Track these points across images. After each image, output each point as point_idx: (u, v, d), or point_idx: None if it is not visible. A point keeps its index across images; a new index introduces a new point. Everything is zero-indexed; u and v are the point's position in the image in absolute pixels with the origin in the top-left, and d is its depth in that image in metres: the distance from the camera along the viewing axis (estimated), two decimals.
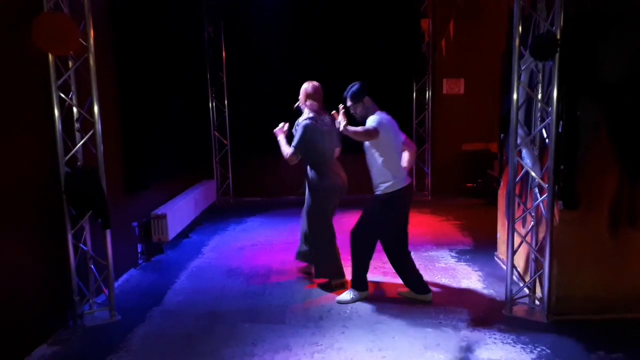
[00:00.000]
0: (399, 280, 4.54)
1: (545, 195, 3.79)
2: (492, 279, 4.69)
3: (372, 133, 3.89)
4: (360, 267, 4.26)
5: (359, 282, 4.28)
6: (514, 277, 4.07)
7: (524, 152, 4.01)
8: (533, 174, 3.92)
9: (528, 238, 4.10)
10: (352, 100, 4.09)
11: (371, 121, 3.96)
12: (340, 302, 4.20)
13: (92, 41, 3.75)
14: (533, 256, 4.07)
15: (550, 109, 3.68)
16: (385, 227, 4.16)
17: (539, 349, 3.40)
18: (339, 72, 7.53)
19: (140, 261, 5.34)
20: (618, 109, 3.72)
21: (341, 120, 3.83)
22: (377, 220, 4.13)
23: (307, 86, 4.43)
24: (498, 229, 5.28)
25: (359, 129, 3.88)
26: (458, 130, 8.41)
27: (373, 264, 5.10)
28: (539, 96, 3.92)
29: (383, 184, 4.01)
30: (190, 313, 4.10)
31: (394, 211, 4.09)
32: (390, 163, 4.00)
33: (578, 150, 3.69)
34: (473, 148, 8.36)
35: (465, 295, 4.36)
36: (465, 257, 5.38)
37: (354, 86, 4.09)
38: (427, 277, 4.78)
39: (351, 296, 4.24)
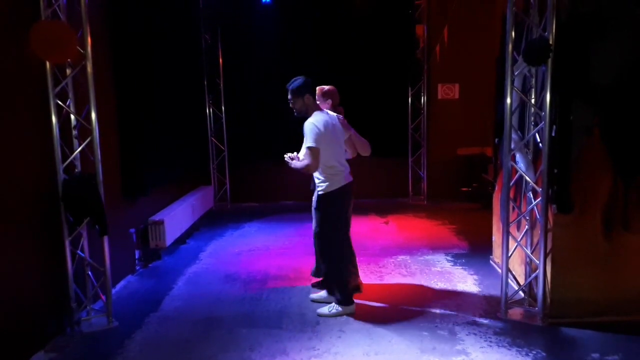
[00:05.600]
0: (396, 280, 4.58)
1: (539, 199, 3.82)
2: (487, 283, 4.71)
3: (315, 158, 3.88)
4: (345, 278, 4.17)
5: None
6: (510, 281, 4.09)
7: (518, 156, 4.05)
8: (527, 178, 3.95)
9: (523, 242, 4.13)
10: (296, 94, 4.02)
11: (305, 133, 3.91)
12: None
13: (89, 49, 3.78)
14: (528, 260, 4.10)
15: (543, 113, 3.72)
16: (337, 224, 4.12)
17: (534, 352, 3.43)
18: (335, 78, 7.58)
19: (137, 267, 5.35)
20: (611, 113, 3.75)
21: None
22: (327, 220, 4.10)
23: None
24: (493, 233, 5.31)
25: (301, 164, 3.93)
26: (453, 134, 8.45)
27: (369, 268, 5.15)
28: (532, 101, 3.96)
29: (325, 183, 4.03)
30: (188, 319, 4.11)
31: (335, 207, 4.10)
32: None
33: (571, 154, 3.73)
34: (468, 152, 8.41)
35: (461, 299, 4.38)
36: (461, 260, 5.40)
37: (297, 80, 4.03)
38: (422, 280, 4.82)
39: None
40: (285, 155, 4.07)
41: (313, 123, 3.90)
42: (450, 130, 8.44)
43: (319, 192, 4.07)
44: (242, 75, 8.24)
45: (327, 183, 4.01)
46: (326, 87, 4.43)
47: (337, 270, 4.12)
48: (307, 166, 3.89)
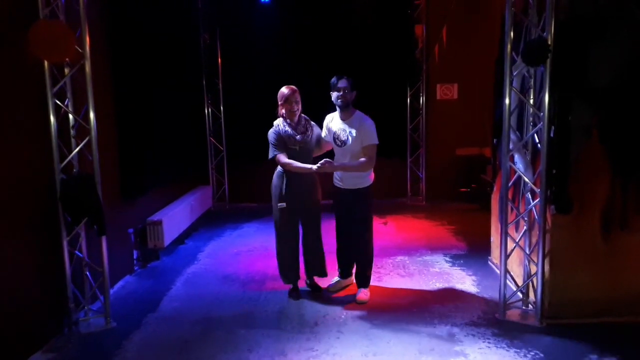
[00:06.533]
0: (395, 281, 4.57)
1: (537, 199, 3.82)
2: (486, 284, 4.71)
3: (375, 155, 4.20)
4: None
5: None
6: (508, 282, 4.09)
7: (517, 157, 4.05)
8: (525, 178, 3.95)
9: (521, 242, 4.13)
10: (351, 87, 4.19)
11: (370, 131, 4.15)
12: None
13: (88, 48, 3.77)
14: (526, 260, 4.09)
15: (542, 113, 3.72)
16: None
17: (532, 353, 3.43)
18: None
19: (135, 268, 5.34)
20: (610, 113, 3.75)
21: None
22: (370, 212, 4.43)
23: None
24: (492, 234, 5.31)
25: (368, 162, 4.13)
26: (452, 135, 8.44)
27: None
28: (531, 101, 3.96)
29: (366, 178, 4.29)
30: (186, 319, 4.11)
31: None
32: None
33: (570, 154, 3.73)
34: (467, 153, 8.40)
35: (459, 300, 4.38)
36: (460, 261, 5.40)
37: (343, 76, 4.22)
38: (421, 281, 4.82)
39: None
40: (318, 164, 4.09)
41: (371, 120, 4.20)
42: (448, 130, 8.43)
43: (361, 187, 4.25)
44: (240, 75, 8.22)
45: (366, 177, 4.27)
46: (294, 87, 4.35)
47: (372, 254, 4.50)
48: (372, 163, 4.16)
